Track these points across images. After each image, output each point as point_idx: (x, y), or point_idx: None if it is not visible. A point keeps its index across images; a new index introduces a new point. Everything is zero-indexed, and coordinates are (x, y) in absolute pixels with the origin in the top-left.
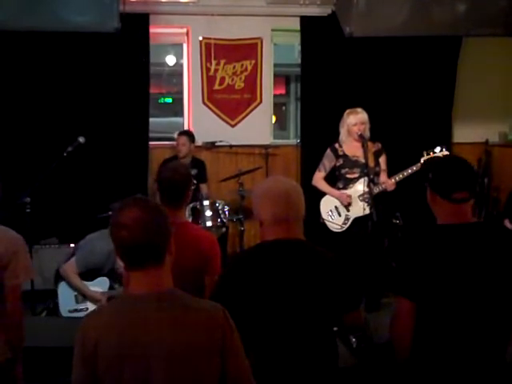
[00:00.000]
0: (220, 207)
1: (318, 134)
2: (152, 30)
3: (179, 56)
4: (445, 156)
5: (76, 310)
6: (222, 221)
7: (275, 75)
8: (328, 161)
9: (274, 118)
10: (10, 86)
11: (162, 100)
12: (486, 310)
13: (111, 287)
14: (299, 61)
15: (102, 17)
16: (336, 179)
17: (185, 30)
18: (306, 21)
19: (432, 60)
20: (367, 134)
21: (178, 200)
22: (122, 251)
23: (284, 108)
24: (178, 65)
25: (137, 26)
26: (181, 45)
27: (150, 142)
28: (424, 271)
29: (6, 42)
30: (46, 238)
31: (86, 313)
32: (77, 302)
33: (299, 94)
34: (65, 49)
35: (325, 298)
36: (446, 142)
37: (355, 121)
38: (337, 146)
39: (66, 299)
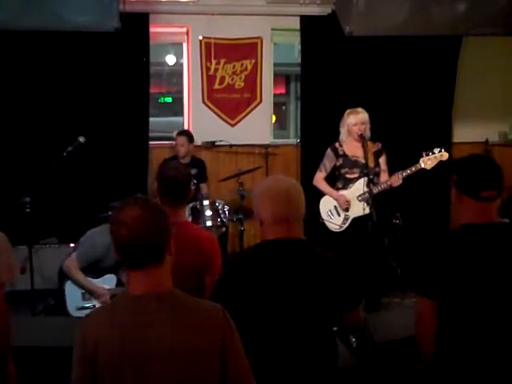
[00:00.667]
0: (220, 207)
1: (318, 134)
2: (152, 29)
3: (179, 55)
4: (471, 155)
5: (83, 308)
6: (221, 220)
7: (275, 75)
8: (328, 161)
9: (273, 118)
10: (10, 86)
11: (161, 99)
12: (511, 310)
13: (118, 284)
14: (299, 60)
15: (102, 16)
16: (335, 179)
17: (185, 30)
18: (305, 20)
19: (432, 60)
20: (368, 134)
21: (180, 199)
22: (122, 250)
23: (284, 107)
24: (178, 64)
25: (137, 25)
26: (181, 44)
27: (150, 142)
28: (448, 271)
29: (6, 42)
30: (45, 238)
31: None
32: (84, 299)
33: (299, 93)
34: (65, 48)
35: (324, 297)
36: (446, 142)
37: (355, 121)
38: (337, 145)
39: (73, 297)
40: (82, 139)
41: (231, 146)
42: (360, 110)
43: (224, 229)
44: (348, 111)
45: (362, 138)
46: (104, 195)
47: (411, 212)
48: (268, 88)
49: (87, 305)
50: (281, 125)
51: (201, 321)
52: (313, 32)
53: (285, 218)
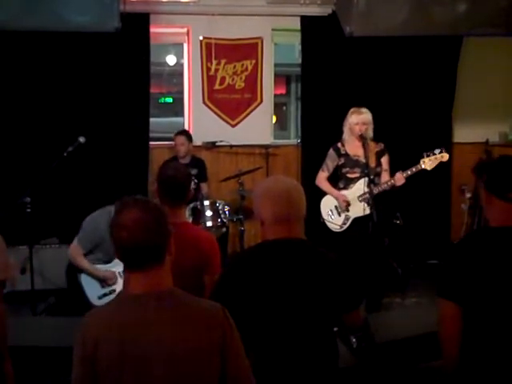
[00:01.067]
0: (220, 207)
1: (318, 134)
2: (152, 29)
3: (179, 56)
4: (501, 156)
5: (105, 295)
6: (222, 221)
7: (276, 75)
8: (331, 160)
9: (274, 118)
10: (11, 86)
11: (162, 100)
12: None
13: None
14: (300, 60)
15: (103, 16)
16: (337, 178)
17: (185, 30)
18: (306, 20)
19: (432, 60)
20: (370, 134)
21: (179, 200)
22: (122, 252)
23: (284, 108)
24: (179, 64)
25: (137, 25)
26: (181, 44)
27: (151, 142)
28: (473, 274)
29: (6, 42)
30: (46, 238)
31: (112, 296)
32: (102, 287)
33: (300, 93)
34: (65, 49)
35: (325, 297)
36: (447, 142)
37: (357, 120)
38: (339, 145)
39: (91, 288)
40: (82, 139)
41: (231, 146)
42: (364, 110)
43: (224, 229)
44: (352, 110)
45: (362, 138)
46: (104, 195)
47: (411, 212)
48: (268, 88)
49: (107, 291)
50: (281, 125)
51: (201, 320)
52: (313, 32)
53: (285, 218)
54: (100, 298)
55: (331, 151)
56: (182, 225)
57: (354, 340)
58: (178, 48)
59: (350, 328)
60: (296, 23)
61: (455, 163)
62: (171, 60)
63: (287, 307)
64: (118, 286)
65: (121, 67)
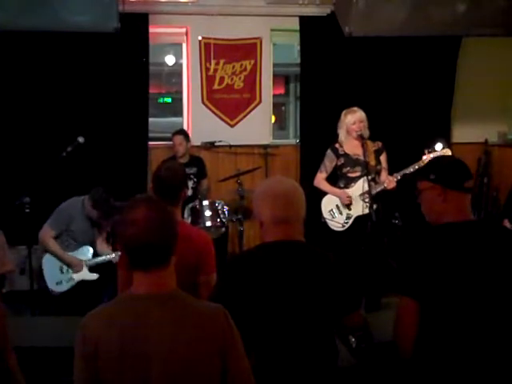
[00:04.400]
0: (219, 207)
1: (317, 134)
2: (151, 29)
3: (178, 56)
4: (436, 157)
5: (61, 282)
6: (221, 221)
7: (274, 75)
8: (329, 161)
9: (273, 118)
10: (10, 86)
11: (161, 100)
12: (492, 310)
13: (95, 255)
14: (298, 61)
15: (102, 17)
16: (337, 178)
17: (184, 30)
18: (305, 21)
19: (431, 60)
20: (366, 132)
21: (172, 199)
22: (130, 250)
23: (283, 108)
24: (178, 65)
25: (136, 25)
26: (180, 45)
27: (150, 142)
28: (428, 270)
29: (6, 42)
30: None
31: (71, 283)
32: (61, 272)
33: (299, 93)
34: (64, 49)
35: (324, 299)
36: (446, 142)
37: (354, 119)
38: (337, 145)
39: (51, 272)
40: (81, 139)
41: (231, 146)
42: (356, 108)
43: (223, 229)
44: (345, 111)
45: (361, 137)
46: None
47: (410, 212)
48: (267, 88)
49: (65, 278)
50: (280, 125)
51: (201, 322)
52: (312, 32)
53: (285, 219)
54: (58, 283)
55: (329, 152)
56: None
57: (353, 340)
58: (176, 48)
59: (351, 328)
60: (295, 23)
61: None
62: (170, 60)
63: (287, 308)
64: (80, 276)
65: (120, 67)
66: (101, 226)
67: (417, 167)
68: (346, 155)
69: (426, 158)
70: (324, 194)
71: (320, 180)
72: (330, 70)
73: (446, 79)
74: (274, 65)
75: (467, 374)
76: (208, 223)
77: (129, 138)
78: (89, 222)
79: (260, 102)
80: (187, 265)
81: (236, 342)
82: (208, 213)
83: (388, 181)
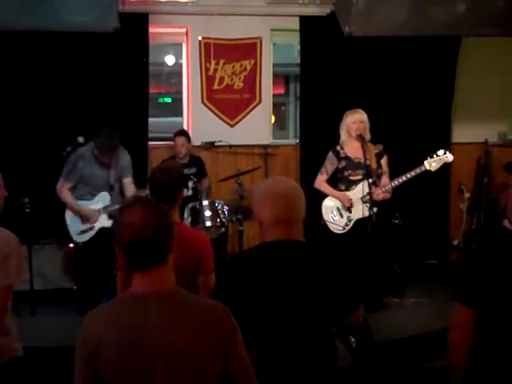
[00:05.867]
0: (219, 207)
1: (317, 134)
2: (151, 29)
3: (178, 56)
4: None
5: (83, 232)
6: (221, 221)
7: (274, 75)
8: (330, 163)
9: (273, 118)
10: (10, 86)
11: (161, 100)
12: None
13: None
14: (298, 60)
15: (102, 17)
16: (337, 181)
17: (184, 30)
18: (305, 20)
19: (431, 60)
20: (367, 135)
21: (168, 200)
22: (126, 250)
23: (283, 108)
24: (178, 65)
25: (136, 25)
26: (180, 45)
27: (150, 142)
28: (486, 277)
29: (6, 42)
30: (45, 238)
31: (92, 232)
32: (82, 222)
33: (299, 93)
34: (64, 49)
35: (324, 298)
36: (446, 142)
37: (354, 119)
38: (338, 148)
39: (73, 224)
40: (81, 139)
41: (230, 146)
42: (359, 110)
43: (223, 229)
44: (347, 112)
45: (361, 138)
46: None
47: (410, 212)
48: (267, 88)
49: (86, 227)
50: (280, 125)
51: (203, 320)
52: (312, 32)
53: (285, 219)
54: (79, 234)
55: (330, 154)
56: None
57: (353, 340)
58: (176, 48)
59: (350, 328)
60: (295, 23)
61: (454, 163)
62: (170, 60)
63: (286, 308)
64: (98, 224)
65: (120, 67)
66: (110, 166)
67: (418, 171)
68: (347, 158)
69: (428, 162)
70: (324, 196)
71: (320, 182)
72: (329, 70)
73: (446, 79)
74: (274, 65)
75: None
76: (208, 223)
77: (129, 137)
78: (102, 167)
79: (260, 102)
80: (185, 265)
81: (237, 340)
82: (208, 213)
83: (377, 193)
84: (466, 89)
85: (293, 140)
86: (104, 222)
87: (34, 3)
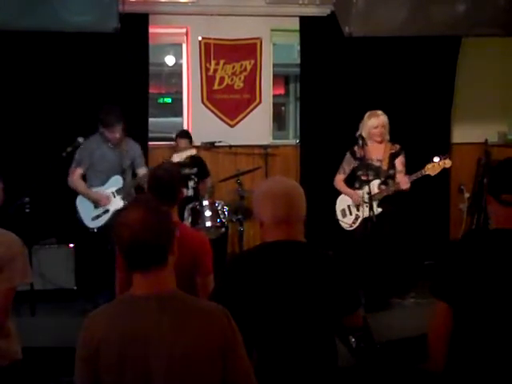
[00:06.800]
0: (219, 207)
1: (317, 134)
2: (151, 30)
3: (178, 56)
4: (507, 158)
5: (98, 216)
6: (221, 221)
7: (274, 75)
8: (347, 164)
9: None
10: (10, 86)
11: (161, 100)
12: None
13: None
14: (298, 61)
15: (102, 17)
16: (354, 180)
17: (184, 30)
18: (305, 21)
19: (431, 60)
20: (387, 136)
21: (168, 200)
22: (125, 251)
23: (283, 108)
24: (178, 65)
25: (136, 26)
26: (180, 45)
27: (150, 142)
28: (466, 275)
29: (6, 42)
30: (45, 239)
31: (106, 216)
32: (96, 207)
33: (299, 94)
34: (64, 49)
35: (325, 299)
36: (446, 143)
37: (377, 123)
38: (355, 148)
39: (85, 210)
40: (81, 139)
41: (231, 146)
42: (380, 112)
43: (223, 229)
44: (368, 114)
45: (361, 138)
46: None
47: (410, 212)
48: (267, 89)
49: (100, 212)
50: (280, 125)
51: (202, 322)
52: (312, 33)
53: (285, 219)
54: (93, 219)
55: (348, 155)
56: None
57: (353, 340)
58: (176, 48)
59: (351, 328)
60: (295, 23)
61: (454, 163)
62: (170, 60)
63: (287, 308)
64: (113, 206)
65: (120, 67)
66: (121, 144)
67: (419, 175)
68: (360, 159)
69: (428, 167)
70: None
71: (338, 181)
72: (329, 70)
73: (446, 79)
74: (274, 65)
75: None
76: (208, 223)
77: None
78: (112, 150)
79: (260, 102)
80: (183, 265)
81: (237, 342)
82: (208, 213)
83: (403, 181)
84: (466, 89)
85: (293, 140)
86: (118, 203)
87: (34, 3)
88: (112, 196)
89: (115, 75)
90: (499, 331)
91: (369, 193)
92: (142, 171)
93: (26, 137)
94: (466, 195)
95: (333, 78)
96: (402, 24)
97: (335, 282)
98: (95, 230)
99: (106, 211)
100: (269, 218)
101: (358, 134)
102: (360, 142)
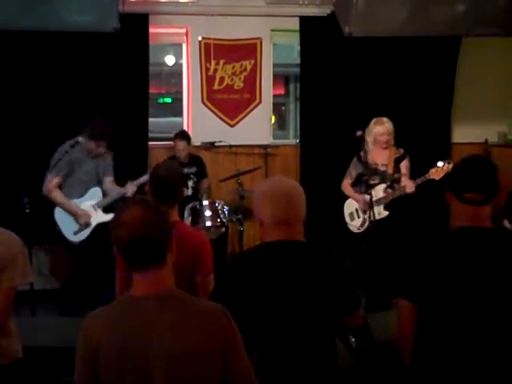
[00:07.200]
0: (219, 207)
1: (317, 134)
2: (151, 30)
3: (178, 56)
4: (468, 155)
5: (79, 231)
6: (221, 221)
7: (274, 75)
8: (354, 169)
9: (273, 118)
10: (10, 86)
11: (161, 100)
12: (490, 317)
13: (105, 195)
14: (298, 61)
15: (102, 17)
16: (361, 184)
17: (184, 30)
18: (305, 21)
19: (431, 60)
20: (392, 141)
21: (169, 199)
22: (124, 251)
23: (283, 108)
24: (178, 65)
25: (136, 26)
26: (180, 45)
27: (150, 142)
28: (428, 274)
29: (6, 42)
30: (45, 239)
31: (88, 230)
32: (77, 222)
33: (298, 94)
34: (64, 49)
35: (324, 299)
36: (446, 143)
37: (383, 131)
38: (362, 153)
39: (66, 224)
40: (81, 139)
41: (231, 146)
42: (386, 119)
43: (223, 229)
44: (374, 120)
45: (361, 138)
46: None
47: (411, 212)
48: (267, 89)
49: (81, 226)
50: (280, 125)
51: (202, 322)
52: (312, 33)
53: (285, 219)
54: (75, 233)
55: (355, 160)
56: (174, 223)
57: (353, 340)
58: (176, 48)
59: (351, 329)
60: (295, 23)
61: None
62: (170, 60)
63: (287, 308)
64: (96, 219)
65: (120, 67)
66: (99, 156)
67: (423, 179)
68: (366, 163)
69: (432, 172)
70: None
71: (345, 185)
72: (329, 70)
73: (446, 79)
74: (274, 65)
75: (463, 380)
76: (208, 223)
77: (129, 138)
78: (92, 160)
79: (260, 102)
80: (183, 265)
81: (237, 342)
82: (208, 213)
83: (408, 185)
84: (466, 89)
85: (293, 140)
86: (101, 217)
87: (34, 3)
88: (93, 210)
89: (115, 75)
90: (462, 329)
91: (370, 195)
92: (109, 179)
93: (25, 136)
94: None
95: (333, 78)
96: (402, 24)
97: (335, 281)
98: (76, 244)
99: (88, 225)
100: (269, 218)
101: (358, 134)
102: (362, 143)
